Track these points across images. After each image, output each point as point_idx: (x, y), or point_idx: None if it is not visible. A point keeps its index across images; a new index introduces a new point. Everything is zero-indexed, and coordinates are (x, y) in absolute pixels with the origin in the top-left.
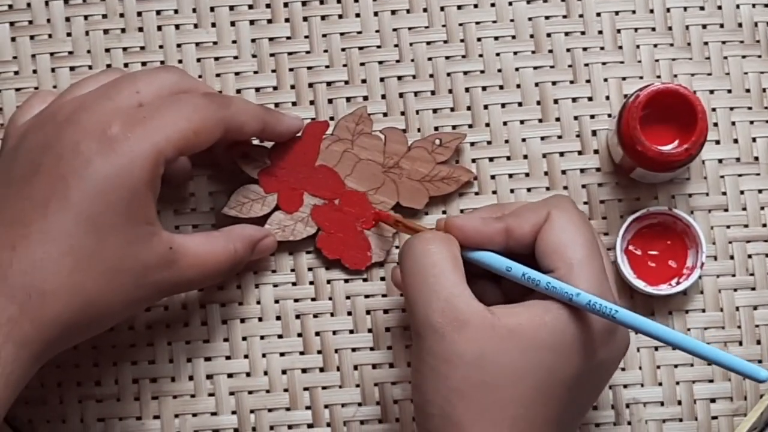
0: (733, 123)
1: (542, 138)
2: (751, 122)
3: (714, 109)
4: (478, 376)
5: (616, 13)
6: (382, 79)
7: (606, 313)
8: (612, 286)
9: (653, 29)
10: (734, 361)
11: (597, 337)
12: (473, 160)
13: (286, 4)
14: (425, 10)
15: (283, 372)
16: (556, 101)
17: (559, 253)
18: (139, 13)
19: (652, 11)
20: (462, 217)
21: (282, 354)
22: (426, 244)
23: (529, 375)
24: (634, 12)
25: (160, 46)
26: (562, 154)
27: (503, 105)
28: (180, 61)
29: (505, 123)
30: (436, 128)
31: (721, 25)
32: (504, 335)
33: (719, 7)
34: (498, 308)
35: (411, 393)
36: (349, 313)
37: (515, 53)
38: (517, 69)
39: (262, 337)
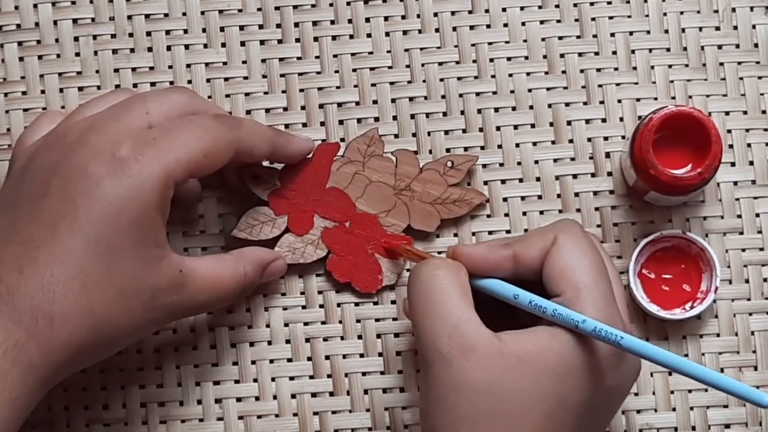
0: (749, 145)
1: (555, 160)
2: (767, 144)
3: (729, 131)
4: (487, 403)
5: (631, 33)
6: (393, 100)
7: (611, 339)
8: (623, 309)
9: (668, 50)
10: (736, 385)
11: (605, 361)
12: (485, 182)
13: (296, 24)
14: (437, 30)
15: (293, 396)
16: (569, 123)
17: (566, 276)
18: (149, 33)
19: (666, 31)
20: (469, 245)
21: (291, 378)
22: (433, 269)
23: (538, 402)
24: (648, 32)
25: (170, 66)
26: (575, 176)
27: (516, 126)
28: (189, 82)
29: (517, 145)
30: (447, 150)
31: (737, 46)
32: (512, 362)
33: (735, 28)
34: (505, 334)
35: (419, 421)
36: (360, 337)
37: (528, 74)
38: (530, 90)
39: (271, 361)
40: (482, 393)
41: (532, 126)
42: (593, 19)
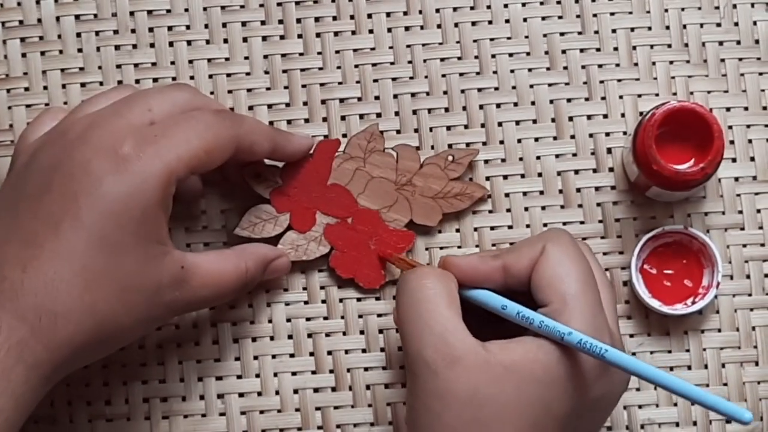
0: (750, 141)
1: (557, 156)
2: None
3: (730, 127)
4: (472, 413)
5: (632, 29)
6: (395, 96)
7: (596, 352)
8: (612, 319)
9: (669, 46)
10: (719, 402)
11: (591, 372)
12: (487, 178)
13: (299, 20)
14: (439, 26)
15: (295, 391)
16: (570, 118)
17: (554, 286)
18: (151, 29)
19: (668, 28)
20: (460, 256)
21: (294, 373)
22: (421, 278)
23: (523, 411)
24: (650, 28)
25: (172, 62)
26: (576, 172)
27: (518, 122)
28: (192, 78)
29: (519, 140)
30: (449, 145)
31: (738, 42)
32: (498, 372)
33: (736, 24)
34: (492, 344)
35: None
36: (362, 332)
37: (530, 70)
38: (531, 86)
39: (273, 356)
40: (467, 402)
41: (534, 122)
42: (595, 15)
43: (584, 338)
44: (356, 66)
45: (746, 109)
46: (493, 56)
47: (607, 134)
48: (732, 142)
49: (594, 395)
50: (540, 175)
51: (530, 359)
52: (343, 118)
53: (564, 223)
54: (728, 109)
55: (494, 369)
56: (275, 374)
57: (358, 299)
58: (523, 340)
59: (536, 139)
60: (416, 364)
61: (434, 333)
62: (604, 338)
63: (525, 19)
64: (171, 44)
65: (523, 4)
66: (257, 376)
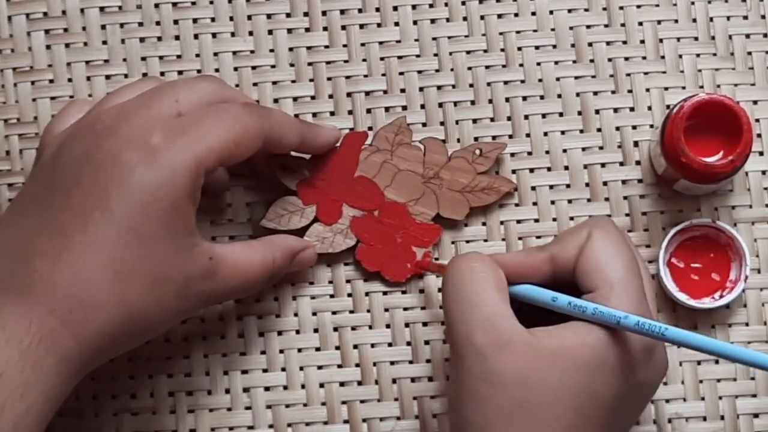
0: None
1: (583, 149)
2: None
3: (757, 120)
4: (518, 396)
5: (659, 22)
6: (421, 89)
7: (655, 332)
8: (652, 305)
9: (696, 39)
10: None
11: (637, 357)
12: (513, 171)
13: (324, 13)
14: (465, 18)
15: (321, 385)
16: (597, 111)
17: (599, 271)
18: (176, 21)
19: (694, 20)
20: (506, 254)
21: (320, 367)
22: (471, 262)
23: (570, 396)
24: (676, 21)
25: (197, 55)
26: (603, 165)
27: (544, 115)
28: (217, 70)
29: (545, 133)
30: (475, 138)
31: (765, 35)
32: (546, 356)
33: (763, 17)
34: (539, 330)
35: (448, 413)
36: (388, 326)
37: (556, 63)
38: (558, 79)
39: (299, 350)
40: (514, 386)
41: (561, 115)
42: (621, 7)
43: (641, 320)
44: (382, 59)
45: None
46: (519, 49)
47: (634, 127)
48: (759, 135)
49: (638, 380)
50: (566, 168)
51: (579, 344)
52: (368, 111)
53: (590, 217)
54: (755, 102)
55: (542, 354)
56: (301, 368)
57: (384, 293)
58: (571, 326)
59: (563, 132)
60: (463, 347)
61: (483, 316)
62: None
63: (551, 12)
64: (196, 37)
65: None
66: (283, 369)
